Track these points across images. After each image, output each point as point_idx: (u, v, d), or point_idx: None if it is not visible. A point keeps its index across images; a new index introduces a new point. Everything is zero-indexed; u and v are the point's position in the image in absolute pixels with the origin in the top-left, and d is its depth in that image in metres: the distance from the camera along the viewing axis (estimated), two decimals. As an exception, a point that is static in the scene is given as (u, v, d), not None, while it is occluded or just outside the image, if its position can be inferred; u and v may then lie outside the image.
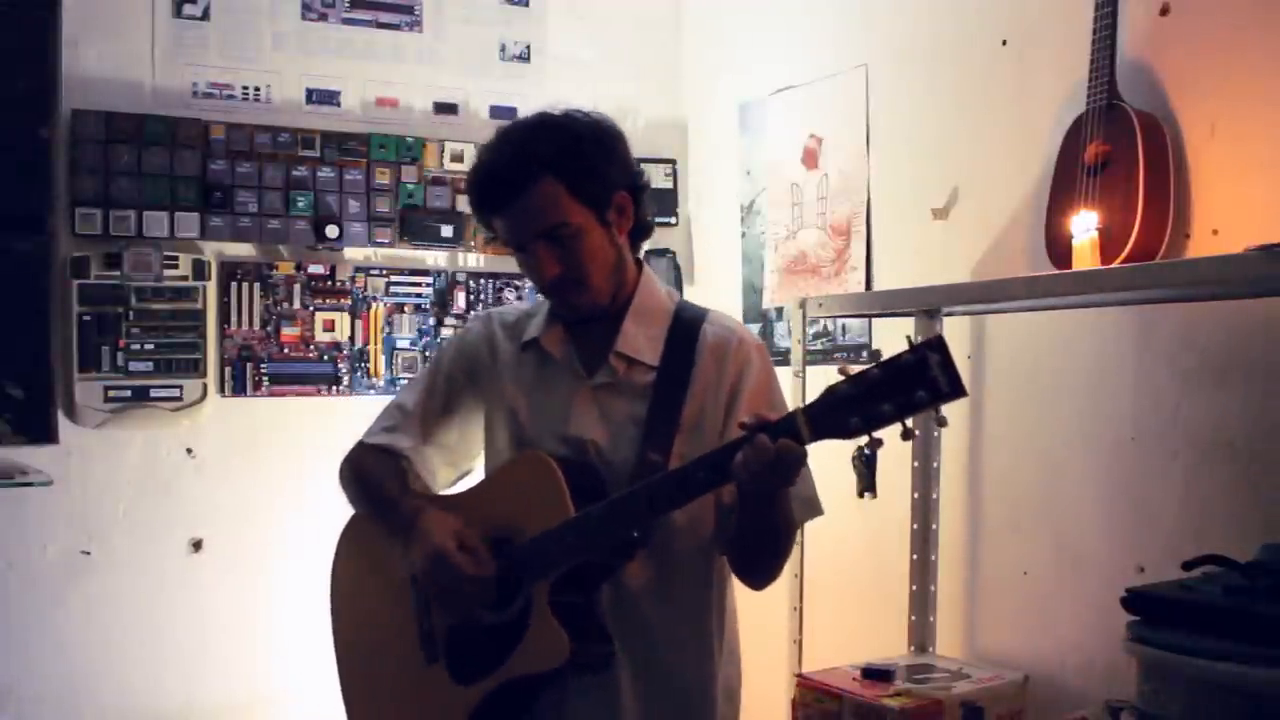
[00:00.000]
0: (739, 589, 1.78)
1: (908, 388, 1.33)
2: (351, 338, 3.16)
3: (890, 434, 1.39)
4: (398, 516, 1.73)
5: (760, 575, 1.71)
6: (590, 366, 1.72)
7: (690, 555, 1.70)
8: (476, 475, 1.89)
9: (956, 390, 1.31)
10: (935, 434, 2.49)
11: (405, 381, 3.15)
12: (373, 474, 1.83)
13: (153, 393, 2.91)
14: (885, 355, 1.37)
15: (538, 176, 1.61)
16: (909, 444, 2.46)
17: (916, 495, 2.51)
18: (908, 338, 1.37)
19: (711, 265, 3.47)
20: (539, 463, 1.65)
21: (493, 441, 1.81)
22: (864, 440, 1.39)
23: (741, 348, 1.71)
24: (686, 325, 1.73)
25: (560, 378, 1.73)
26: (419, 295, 3.25)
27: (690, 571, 1.71)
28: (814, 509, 1.70)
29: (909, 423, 1.37)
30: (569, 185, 1.62)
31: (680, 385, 1.68)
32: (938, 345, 1.33)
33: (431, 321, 3.25)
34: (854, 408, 1.37)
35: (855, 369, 1.40)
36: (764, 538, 1.63)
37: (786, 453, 1.40)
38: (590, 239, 1.65)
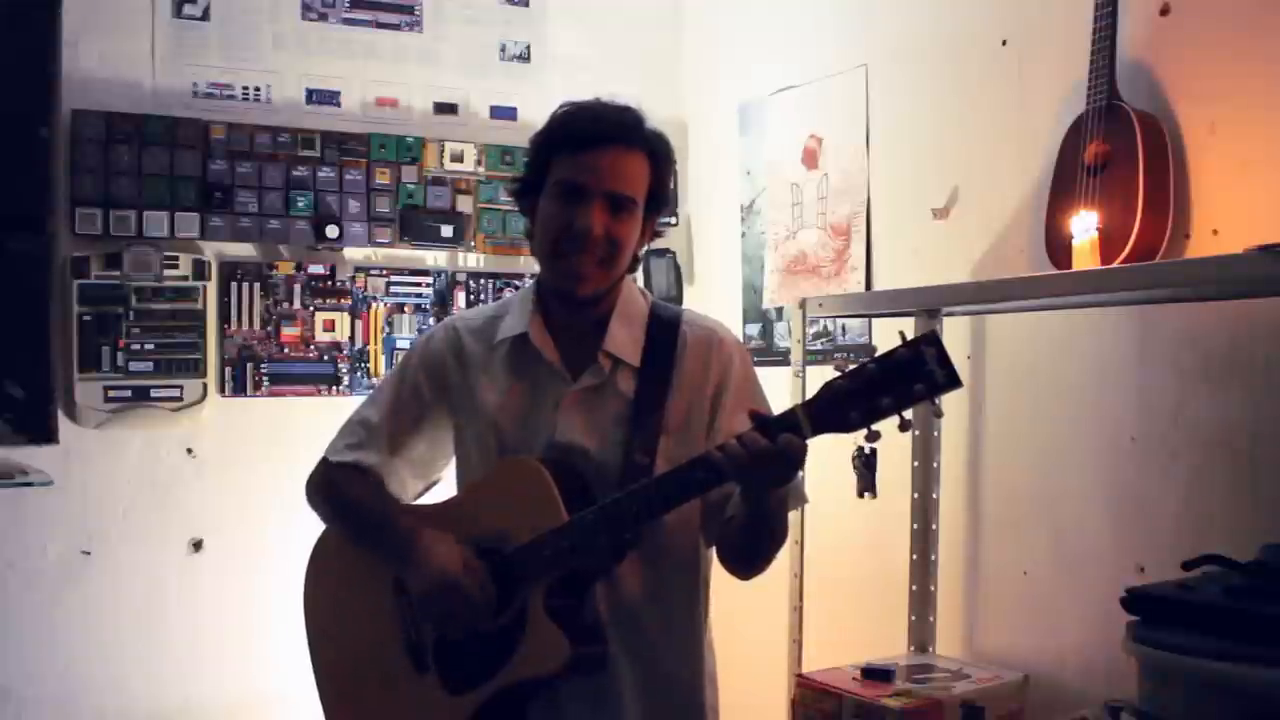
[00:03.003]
0: (736, 586, 1.78)
1: (905, 381, 1.36)
2: (351, 338, 3.16)
3: (887, 426, 1.40)
4: (392, 537, 1.71)
5: (755, 567, 1.72)
6: (574, 370, 1.71)
7: (680, 552, 1.70)
8: (445, 484, 1.87)
9: (952, 382, 1.35)
10: (935, 434, 2.49)
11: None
12: (350, 493, 1.79)
13: (153, 393, 2.91)
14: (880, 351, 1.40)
15: (642, 150, 1.67)
16: (909, 444, 2.47)
17: (916, 495, 2.51)
18: (900, 333, 1.39)
19: (711, 265, 3.47)
20: (527, 468, 1.64)
21: (466, 451, 1.78)
22: (863, 433, 1.40)
23: (723, 347, 1.73)
24: (664, 325, 1.73)
25: (541, 380, 1.71)
26: (419, 295, 3.25)
27: (681, 567, 1.72)
28: (800, 497, 1.72)
29: (907, 415, 1.39)
30: (652, 172, 1.68)
31: (662, 386, 1.68)
32: (932, 339, 1.36)
33: (431, 321, 3.25)
34: (853, 402, 1.39)
35: (853, 366, 1.41)
36: (764, 533, 1.64)
37: (788, 448, 1.42)
38: (634, 229, 1.68)
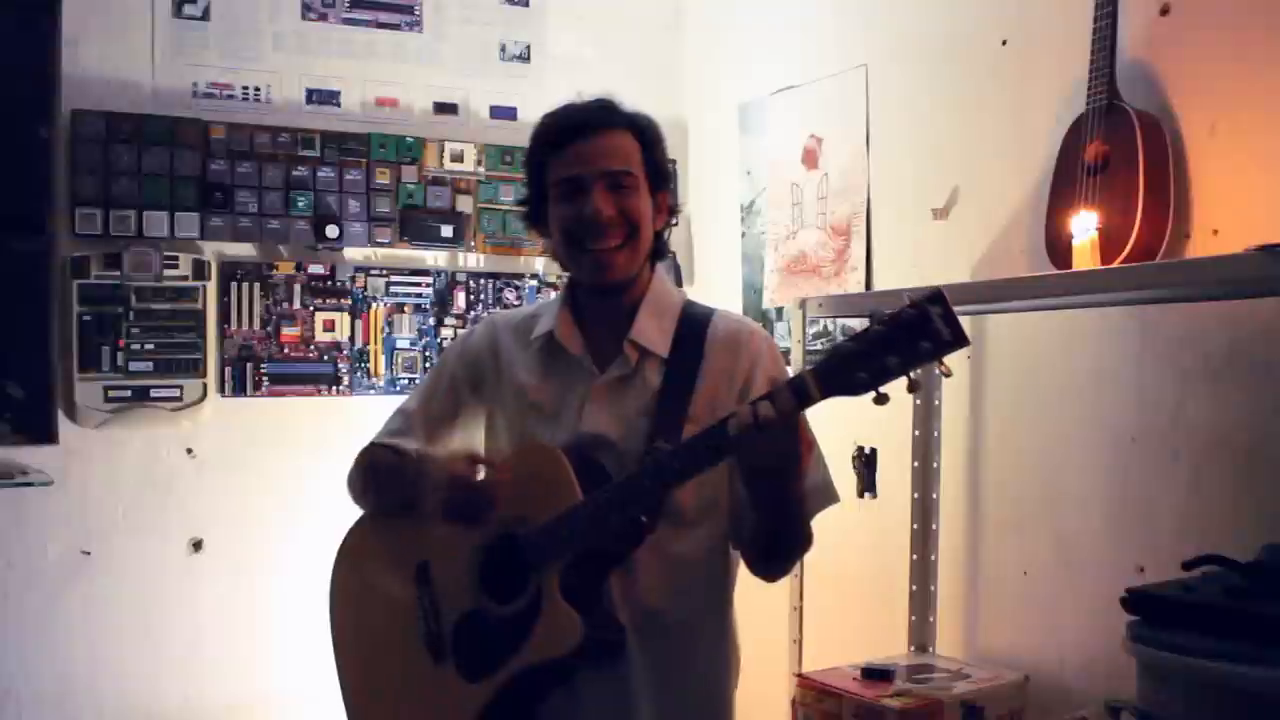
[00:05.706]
0: (745, 587, 1.78)
1: (911, 340, 1.34)
2: (351, 338, 3.16)
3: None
4: (405, 468, 1.74)
5: (774, 567, 1.72)
6: (602, 363, 1.73)
7: (700, 550, 1.70)
8: None
9: (959, 339, 1.33)
10: (935, 434, 2.49)
11: (408, 384, 3.17)
12: (379, 456, 1.83)
13: (153, 393, 2.92)
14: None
15: (621, 127, 1.71)
16: (909, 444, 2.47)
17: (916, 495, 2.51)
18: (905, 296, 1.37)
19: (711, 265, 3.47)
20: (543, 452, 1.66)
21: (497, 443, 1.81)
22: (871, 395, 1.38)
23: (754, 339, 1.76)
24: (695, 320, 1.76)
25: (571, 375, 1.74)
26: (419, 295, 3.25)
27: (701, 567, 1.72)
28: (830, 496, 1.71)
29: (913, 376, 1.38)
30: (642, 147, 1.72)
31: (689, 376, 1.70)
32: (938, 298, 1.34)
33: (431, 321, 3.25)
34: (860, 363, 1.38)
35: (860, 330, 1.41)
36: (777, 523, 1.62)
37: (771, 413, 1.40)
38: (642, 202, 1.71)
